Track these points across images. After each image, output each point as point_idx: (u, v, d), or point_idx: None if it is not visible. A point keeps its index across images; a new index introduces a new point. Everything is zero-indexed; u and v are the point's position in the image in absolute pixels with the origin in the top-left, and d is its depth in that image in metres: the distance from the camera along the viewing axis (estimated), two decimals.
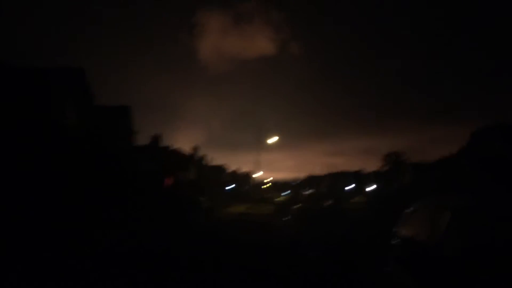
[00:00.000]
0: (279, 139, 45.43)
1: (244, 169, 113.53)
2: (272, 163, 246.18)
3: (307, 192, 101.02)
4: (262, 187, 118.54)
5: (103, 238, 11.78)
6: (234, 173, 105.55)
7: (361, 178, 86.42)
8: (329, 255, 10.92)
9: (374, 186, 67.38)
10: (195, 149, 63.90)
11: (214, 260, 9.55)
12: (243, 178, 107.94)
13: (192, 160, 58.05)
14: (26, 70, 20.15)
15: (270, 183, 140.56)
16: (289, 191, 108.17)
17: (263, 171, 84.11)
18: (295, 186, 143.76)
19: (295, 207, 17.85)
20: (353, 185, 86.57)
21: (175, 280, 7.39)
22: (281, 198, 46.10)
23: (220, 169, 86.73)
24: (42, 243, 10.02)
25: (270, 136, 45.33)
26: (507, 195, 3.19)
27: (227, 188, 79.79)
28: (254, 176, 64.31)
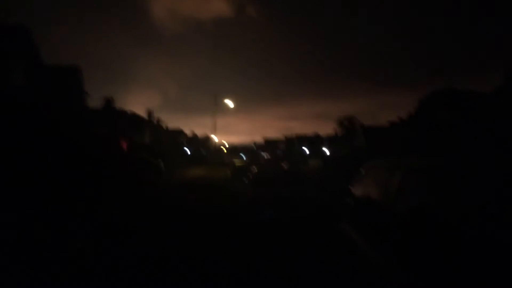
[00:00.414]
0: (235, 102, 45.49)
1: (200, 132, 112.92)
2: (228, 127, 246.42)
3: (264, 156, 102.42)
4: (221, 150, 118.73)
5: (52, 206, 11.46)
6: (193, 137, 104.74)
7: (317, 142, 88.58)
8: (285, 216, 11.29)
9: (329, 150, 69.33)
10: (150, 112, 62.49)
11: (166, 226, 9.61)
12: (202, 142, 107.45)
13: (148, 123, 56.85)
14: None
15: (228, 147, 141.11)
16: (246, 155, 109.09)
17: (219, 135, 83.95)
18: (252, 149, 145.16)
19: (252, 170, 18.04)
20: (308, 149, 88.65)
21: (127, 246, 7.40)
22: (238, 162, 46.40)
23: (178, 133, 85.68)
24: None
25: (225, 99, 45.20)
26: (453, 157, 3.40)
27: (186, 150, 79.26)
28: (212, 139, 64.10)
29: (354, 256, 4.63)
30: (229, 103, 44.42)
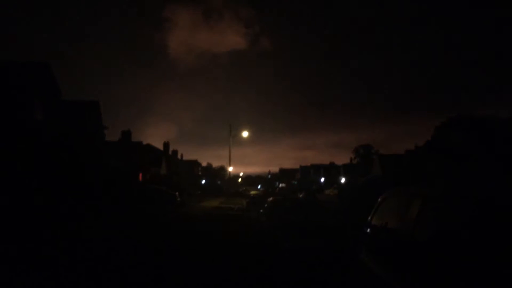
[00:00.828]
0: (250, 134, 45.79)
1: (216, 164, 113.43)
2: (243, 158, 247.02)
3: (279, 185, 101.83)
4: (238, 181, 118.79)
5: (71, 236, 11.53)
6: (207, 168, 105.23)
7: (332, 171, 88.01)
8: (303, 246, 11.13)
9: (344, 178, 68.66)
10: (167, 144, 63.29)
11: (189, 255, 9.57)
12: (217, 173, 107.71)
13: (164, 155, 57.48)
14: None
15: (243, 177, 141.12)
16: (262, 185, 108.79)
17: (234, 165, 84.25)
18: (268, 179, 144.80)
19: (268, 200, 17.94)
20: (324, 178, 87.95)
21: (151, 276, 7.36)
22: (254, 192, 46.27)
23: (193, 163, 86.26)
24: (10, 243, 9.73)
25: (241, 131, 45.58)
26: (473, 182, 3.37)
27: (201, 182, 79.52)
28: (228, 170, 64.27)
29: (369, 284, 4.53)
30: (244, 134, 44.75)
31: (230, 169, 63.40)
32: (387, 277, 4.03)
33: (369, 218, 5.44)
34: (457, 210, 3.12)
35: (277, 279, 7.19)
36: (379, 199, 5.19)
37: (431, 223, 3.44)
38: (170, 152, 65.71)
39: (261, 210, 20.20)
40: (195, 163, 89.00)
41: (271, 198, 18.05)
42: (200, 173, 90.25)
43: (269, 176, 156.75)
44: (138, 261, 8.59)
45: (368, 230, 5.35)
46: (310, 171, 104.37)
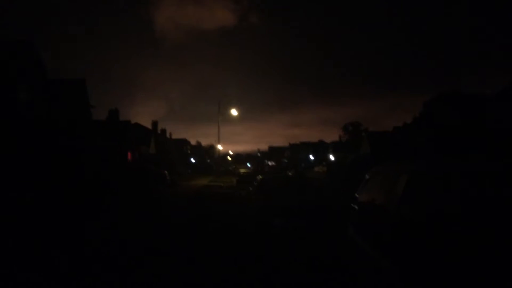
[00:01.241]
0: (239, 111, 45.53)
1: (205, 142, 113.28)
2: (233, 135, 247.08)
3: (269, 163, 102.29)
4: (226, 159, 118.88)
5: (64, 219, 11.49)
6: (197, 146, 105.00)
7: (321, 148, 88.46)
8: (293, 223, 11.28)
9: (333, 156, 69.17)
10: (155, 122, 62.80)
11: (180, 234, 9.63)
12: (207, 151, 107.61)
13: (153, 134, 57.09)
14: None
15: (233, 155, 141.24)
16: (251, 163, 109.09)
17: (224, 143, 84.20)
18: (257, 157, 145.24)
19: (257, 178, 18.04)
20: (313, 156, 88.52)
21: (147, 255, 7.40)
22: (244, 170, 46.39)
23: (182, 142, 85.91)
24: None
25: (230, 108, 45.28)
26: (459, 161, 3.39)
27: (191, 161, 79.42)
28: (217, 148, 64.22)
29: (357, 260, 4.62)
30: (233, 112, 44.50)
31: (220, 147, 63.38)
32: (373, 253, 4.10)
33: (356, 194, 5.51)
34: (441, 185, 3.15)
35: (267, 258, 7.27)
36: (366, 176, 5.25)
37: (416, 199, 3.48)
38: (158, 131, 65.28)
39: (251, 188, 20.37)
40: (184, 142, 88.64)
41: (260, 177, 18.15)
42: (189, 152, 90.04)
43: (259, 154, 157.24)
44: (132, 245, 8.63)
45: (356, 206, 5.42)
46: (299, 149, 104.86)
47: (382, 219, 4.07)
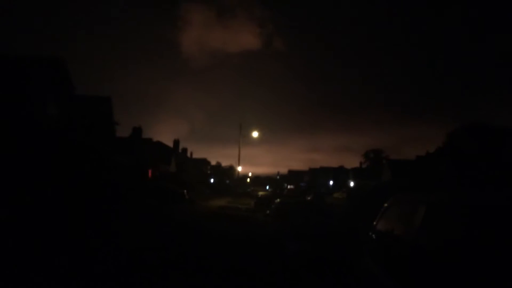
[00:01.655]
0: (260, 134, 45.81)
1: (225, 162, 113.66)
2: (252, 158, 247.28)
3: (288, 187, 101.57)
4: (246, 180, 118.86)
5: (81, 235, 11.64)
6: (217, 167, 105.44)
7: (341, 174, 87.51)
8: (309, 249, 11.13)
9: (353, 182, 68.25)
10: (177, 141, 63.61)
11: (195, 255, 9.62)
12: (226, 172, 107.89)
13: (174, 153, 57.78)
14: (3, 57, 19.62)
15: (252, 177, 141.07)
16: (270, 186, 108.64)
17: (243, 165, 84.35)
18: (277, 180, 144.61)
19: (275, 201, 17.94)
20: (333, 181, 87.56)
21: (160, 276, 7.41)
22: (263, 192, 46.23)
23: (202, 162, 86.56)
24: (20, 243, 9.86)
25: (251, 131, 45.62)
26: (481, 192, 3.33)
27: (210, 181, 79.71)
28: (237, 169, 64.37)
29: None
30: (254, 134, 44.79)
31: (239, 168, 63.48)
32: (389, 284, 4.02)
33: (375, 223, 5.43)
34: (459, 217, 3.10)
35: (281, 282, 7.19)
36: (386, 204, 5.18)
37: (435, 230, 3.42)
38: (179, 150, 66.05)
39: (268, 212, 20.23)
40: (204, 162, 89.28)
41: (278, 200, 18.06)
42: (209, 172, 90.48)
43: (278, 177, 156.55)
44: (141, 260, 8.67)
45: (373, 235, 5.33)
46: (319, 174, 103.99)
47: (399, 249, 4.00)
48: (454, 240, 3.08)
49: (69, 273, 6.86)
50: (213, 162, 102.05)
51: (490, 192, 3.29)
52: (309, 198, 43.12)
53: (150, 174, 40.95)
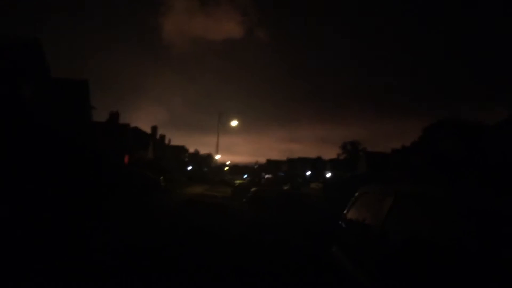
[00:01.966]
0: (239, 123, 45.76)
1: (203, 150, 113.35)
2: (230, 146, 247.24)
3: (265, 176, 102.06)
4: (224, 169, 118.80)
5: (52, 221, 11.45)
6: (195, 154, 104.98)
7: (319, 165, 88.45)
8: (283, 239, 11.27)
9: (330, 173, 69.15)
10: (155, 128, 62.90)
11: (168, 245, 9.60)
12: (204, 160, 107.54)
13: (152, 139, 57.13)
14: None
15: (230, 166, 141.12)
16: (248, 175, 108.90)
17: (222, 154, 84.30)
18: (254, 169, 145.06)
19: (251, 190, 18.00)
20: (310, 172, 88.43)
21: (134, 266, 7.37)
22: (240, 181, 46.38)
23: (180, 149, 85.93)
24: None
25: (230, 120, 45.53)
26: (451, 187, 3.44)
27: (188, 168, 79.31)
28: (215, 158, 64.23)
29: (338, 278, 4.64)
30: (233, 123, 44.72)
31: (218, 157, 63.34)
32: (355, 272, 4.13)
33: (345, 212, 5.55)
34: (424, 209, 3.20)
35: (253, 271, 7.28)
36: (356, 194, 5.30)
37: (400, 221, 3.53)
38: (157, 136, 65.36)
39: (244, 200, 20.31)
40: (182, 149, 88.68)
41: (253, 189, 18.13)
42: (187, 159, 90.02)
43: (256, 166, 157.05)
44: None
45: (343, 223, 5.46)
46: (297, 164, 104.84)
47: (366, 237, 4.11)
48: (418, 230, 3.19)
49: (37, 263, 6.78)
50: (192, 150, 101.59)
51: (455, 186, 3.41)
52: (285, 187, 43.56)
53: (126, 160, 40.44)
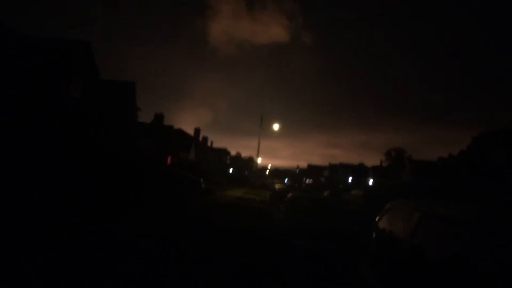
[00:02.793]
0: (280, 127, 45.73)
1: (245, 153, 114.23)
2: (272, 150, 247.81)
3: (306, 181, 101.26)
4: (265, 173, 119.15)
5: (98, 221, 11.93)
6: (236, 157, 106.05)
7: (361, 172, 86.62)
8: (317, 247, 11.08)
9: (372, 180, 67.47)
10: (198, 130, 64.17)
11: (205, 246, 9.73)
12: (245, 163, 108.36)
13: (194, 141, 58.33)
14: (30, 38, 20.04)
15: (271, 170, 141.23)
16: (289, 179, 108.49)
17: (263, 157, 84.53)
18: (295, 174, 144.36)
19: (287, 196, 17.81)
20: (352, 178, 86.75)
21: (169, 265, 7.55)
22: (279, 185, 46.26)
23: (222, 152, 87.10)
24: (41, 226, 10.17)
25: (272, 123, 45.60)
26: (497, 207, 3.24)
27: (229, 171, 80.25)
28: (256, 161, 64.54)
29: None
30: (275, 126, 44.74)
31: (259, 160, 63.66)
32: (380, 285, 4.00)
33: (375, 223, 5.39)
34: (449, 231, 3.05)
35: (286, 277, 7.26)
36: (386, 207, 5.13)
37: (424, 240, 3.38)
38: (200, 139, 66.64)
39: (281, 206, 20.17)
40: (224, 152, 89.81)
41: (290, 194, 17.92)
42: (228, 162, 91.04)
43: (297, 171, 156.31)
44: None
45: (373, 233, 5.30)
46: (338, 170, 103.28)
47: (390, 254, 3.98)
48: (442, 249, 3.04)
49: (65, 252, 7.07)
50: (233, 153, 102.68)
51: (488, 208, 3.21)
52: (325, 194, 42.95)
53: (169, 160, 41.52)
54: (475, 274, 2.56)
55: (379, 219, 5.26)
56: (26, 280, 5.39)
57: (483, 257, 2.63)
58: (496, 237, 2.59)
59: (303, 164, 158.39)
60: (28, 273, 5.66)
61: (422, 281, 3.12)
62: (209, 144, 75.09)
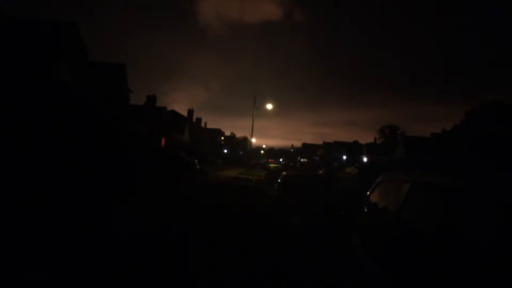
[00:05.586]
0: (274, 106, 45.57)
1: (239, 133, 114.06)
2: (265, 130, 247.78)
3: (301, 160, 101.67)
4: (260, 152, 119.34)
5: (92, 203, 11.89)
6: (231, 137, 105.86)
7: (356, 149, 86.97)
8: (310, 223, 11.17)
9: (367, 158, 67.85)
10: (191, 111, 63.81)
11: (199, 224, 9.77)
12: (240, 143, 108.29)
13: (188, 122, 58.04)
14: (17, 20, 19.60)
15: (266, 149, 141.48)
16: (284, 159, 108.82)
17: (256, 137, 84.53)
18: (290, 153, 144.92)
19: (282, 174, 17.88)
20: (346, 156, 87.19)
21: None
22: (274, 165, 46.41)
23: (216, 132, 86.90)
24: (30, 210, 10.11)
25: (265, 103, 45.37)
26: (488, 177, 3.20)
27: (223, 151, 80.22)
28: (250, 141, 64.51)
29: (352, 267, 4.54)
30: (269, 106, 44.55)
31: (253, 140, 63.58)
32: (367, 257, 4.00)
33: (367, 197, 5.37)
34: (439, 198, 3.01)
35: (278, 252, 7.31)
36: (377, 180, 5.10)
37: (414, 211, 3.35)
38: (194, 119, 66.34)
39: (275, 185, 20.30)
40: (218, 132, 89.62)
41: (284, 173, 17.99)
42: (222, 142, 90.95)
43: (292, 150, 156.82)
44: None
45: (364, 208, 5.30)
46: (333, 148, 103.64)
47: (378, 226, 3.97)
48: (433, 222, 3.01)
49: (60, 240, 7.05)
50: (227, 133, 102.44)
51: (482, 176, 3.17)
52: (320, 172, 43.18)
53: (163, 142, 41.37)
54: (466, 244, 2.53)
55: (370, 193, 5.25)
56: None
57: (474, 226, 2.59)
58: (486, 202, 2.56)
59: (296, 143, 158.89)
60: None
61: (411, 253, 3.10)
62: (203, 125, 74.83)
